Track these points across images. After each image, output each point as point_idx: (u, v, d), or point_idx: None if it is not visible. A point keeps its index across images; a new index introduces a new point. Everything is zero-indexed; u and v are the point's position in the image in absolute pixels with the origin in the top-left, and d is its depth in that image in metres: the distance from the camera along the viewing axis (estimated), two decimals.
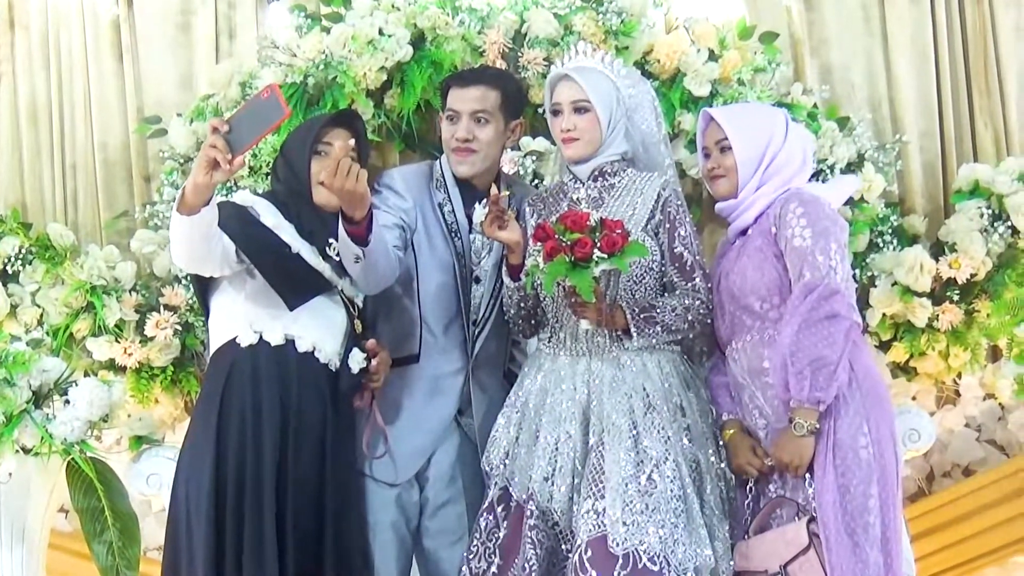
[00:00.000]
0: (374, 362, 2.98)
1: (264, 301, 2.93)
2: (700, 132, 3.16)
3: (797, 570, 2.84)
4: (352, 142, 2.93)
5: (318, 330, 2.96)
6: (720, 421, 3.07)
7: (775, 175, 3.03)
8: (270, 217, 2.94)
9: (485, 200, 3.15)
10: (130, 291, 3.75)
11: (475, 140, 3.15)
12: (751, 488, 3.01)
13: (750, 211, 3.04)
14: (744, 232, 3.07)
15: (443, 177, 3.23)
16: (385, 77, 3.76)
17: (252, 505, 2.82)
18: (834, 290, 2.85)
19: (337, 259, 2.98)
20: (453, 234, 3.19)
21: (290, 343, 2.93)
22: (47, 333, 3.75)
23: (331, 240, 2.97)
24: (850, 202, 3.69)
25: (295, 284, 2.92)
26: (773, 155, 3.04)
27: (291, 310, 2.91)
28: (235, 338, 2.94)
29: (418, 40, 3.78)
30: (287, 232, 2.95)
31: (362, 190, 2.81)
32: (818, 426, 2.83)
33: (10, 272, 3.79)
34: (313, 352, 2.94)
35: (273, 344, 2.92)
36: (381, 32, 3.74)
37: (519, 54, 3.78)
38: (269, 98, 2.65)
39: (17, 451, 3.50)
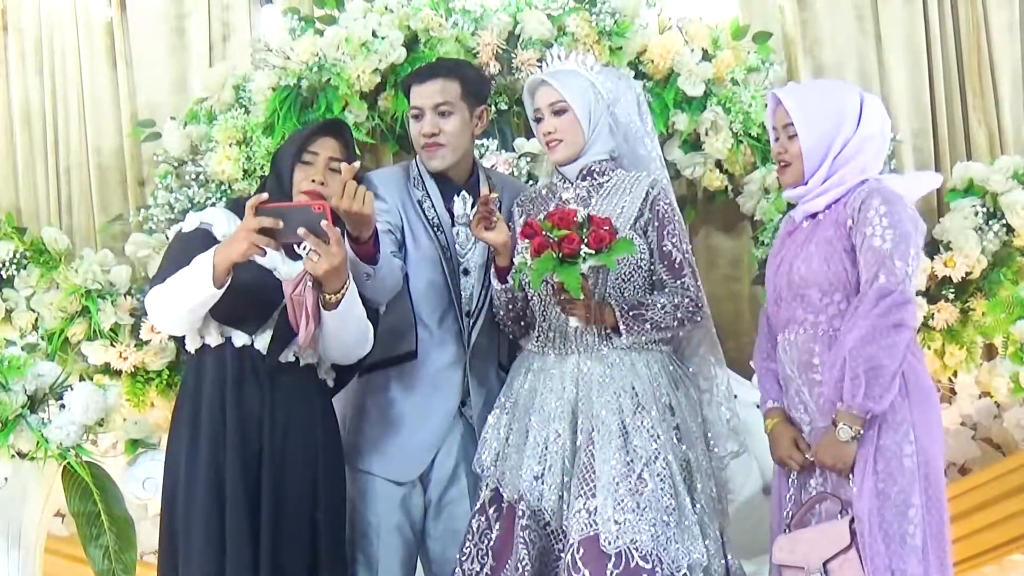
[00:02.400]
0: (310, 240, 2.73)
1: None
2: (769, 113, 3.00)
3: (837, 568, 2.77)
4: (357, 164, 2.88)
5: None
6: (764, 409, 3.00)
7: (846, 164, 2.87)
8: (222, 224, 2.91)
9: (464, 192, 3.17)
10: (125, 295, 3.76)
11: (441, 133, 3.15)
12: (793, 480, 2.93)
13: (821, 198, 2.89)
14: (813, 216, 2.92)
15: (420, 175, 3.23)
16: (379, 79, 3.77)
17: (186, 503, 2.82)
18: (907, 299, 2.75)
19: (306, 253, 2.93)
20: (436, 229, 3.19)
21: (227, 340, 2.91)
22: (42, 337, 3.75)
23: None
24: None
25: (248, 317, 2.88)
26: (844, 142, 2.86)
27: (251, 335, 2.89)
28: (188, 348, 2.95)
29: (412, 42, 3.79)
30: None
31: (369, 212, 2.81)
32: (862, 432, 2.75)
33: (5, 277, 3.79)
34: (252, 344, 2.93)
35: (213, 346, 2.91)
36: (375, 34, 3.75)
37: (512, 55, 3.79)
38: (318, 215, 2.67)
39: (13, 456, 3.50)
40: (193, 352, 2.93)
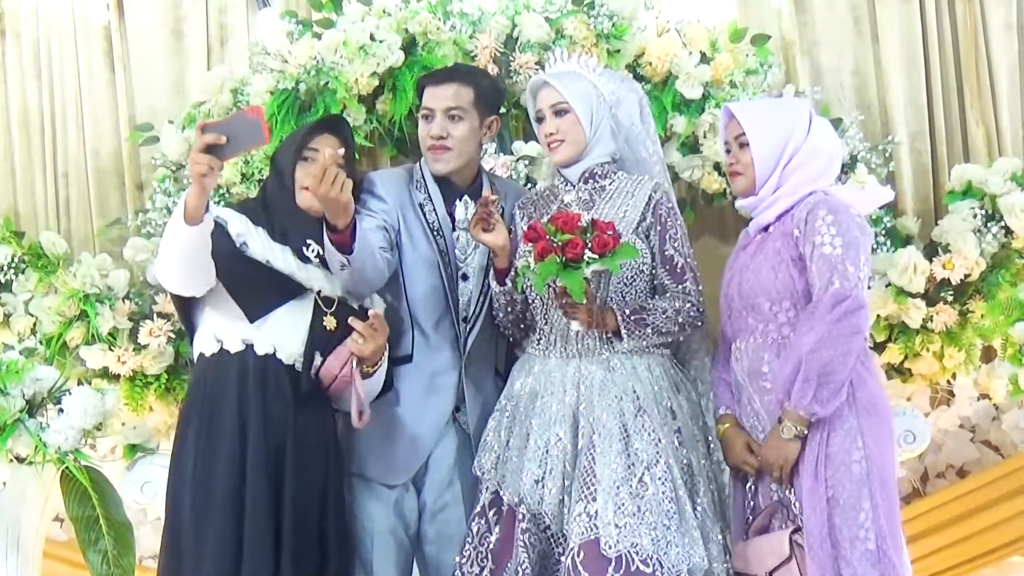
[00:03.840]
0: (358, 325, 2.90)
1: (226, 309, 2.93)
2: (722, 127, 3.11)
3: None
4: (342, 151, 2.92)
5: (278, 332, 2.94)
6: (716, 415, 3.06)
7: (795, 172, 2.96)
8: (236, 225, 2.93)
9: (466, 197, 3.18)
10: (123, 299, 3.75)
11: (449, 137, 3.15)
12: (751, 487, 2.99)
13: (771, 209, 2.98)
14: (765, 229, 3.01)
15: (423, 177, 3.24)
16: (377, 82, 3.76)
17: (199, 507, 2.82)
18: (861, 304, 2.82)
19: (316, 259, 2.98)
20: (436, 233, 3.19)
21: (249, 348, 2.92)
22: (40, 342, 3.75)
23: (309, 241, 2.97)
24: None
25: (256, 296, 2.91)
26: (793, 152, 2.96)
27: (251, 322, 2.91)
28: (201, 351, 2.96)
29: (409, 45, 3.78)
30: (255, 239, 2.94)
31: (345, 199, 2.81)
32: (806, 432, 2.82)
33: (3, 281, 3.79)
34: (274, 354, 2.93)
35: (233, 351, 2.92)
36: (372, 38, 3.75)
37: (511, 58, 3.79)
38: (253, 121, 2.67)
39: (11, 460, 3.51)
40: (209, 356, 2.93)
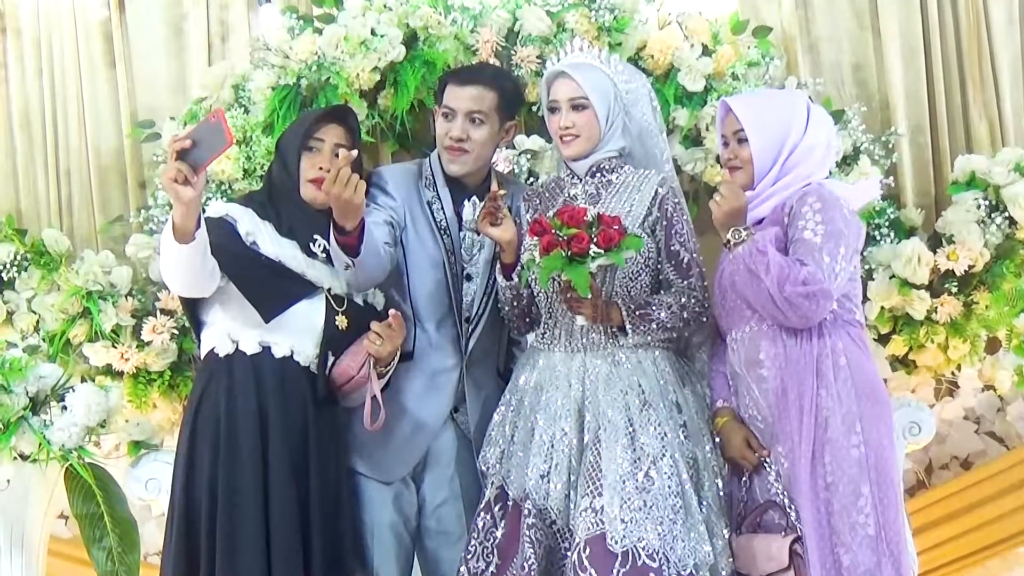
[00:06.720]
0: (376, 326, 2.90)
1: (240, 310, 2.91)
2: (719, 120, 3.10)
3: None
4: (355, 152, 2.89)
5: (295, 334, 2.94)
6: (713, 408, 3.06)
7: (795, 167, 2.96)
8: (246, 223, 2.92)
9: (475, 198, 3.17)
10: (126, 296, 3.75)
11: (469, 140, 3.14)
12: (745, 481, 2.99)
13: (767, 203, 2.98)
14: (759, 223, 3.00)
15: (432, 175, 3.23)
16: (378, 77, 3.75)
17: (226, 511, 2.81)
18: (828, 296, 2.82)
19: (324, 254, 2.97)
20: (442, 231, 3.18)
21: (266, 350, 2.91)
22: (43, 339, 3.75)
23: (316, 236, 2.96)
24: None
25: (270, 296, 2.90)
26: (792, 147, 2.96)
27: (266, 322, 2.89)
28: (213, 348, 2.95)
29: (411, 40, 3.78)
30: (264, 235, 2.94)
31: (358, 201, 2.80)
32: (742, 230, 2.88)
33: (5, 279, 3.78)
34: (292, 356, 2.93)
35: (249, 353, 2.91)
36: (373, 32, 3.74)
37: (512, 52, 3.78)
38: (215, 124, 2.66)
39: (15, 458, 3.51)
40: (223, 356, 2.92)
